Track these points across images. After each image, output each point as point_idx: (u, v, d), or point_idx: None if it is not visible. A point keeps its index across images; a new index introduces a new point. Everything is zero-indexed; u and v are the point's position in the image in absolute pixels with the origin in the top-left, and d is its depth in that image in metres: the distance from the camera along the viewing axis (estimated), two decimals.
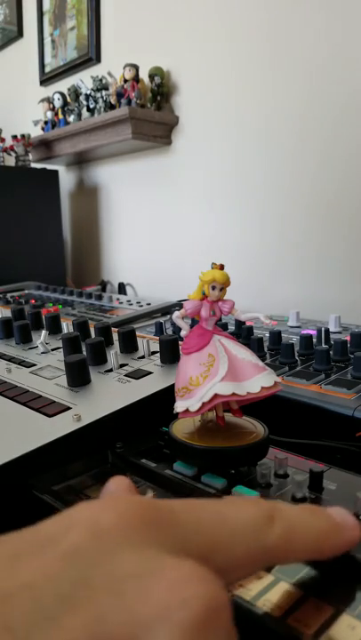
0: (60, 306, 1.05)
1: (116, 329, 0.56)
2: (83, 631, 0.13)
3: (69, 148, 1.43)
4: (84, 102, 1.35)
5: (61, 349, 0.52)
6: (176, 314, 0.35)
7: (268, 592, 0.23)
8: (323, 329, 0.63)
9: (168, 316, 0.92)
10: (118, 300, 1.07)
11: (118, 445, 0.37)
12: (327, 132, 0.96)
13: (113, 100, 1.28)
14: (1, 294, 1.18)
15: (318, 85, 0.96)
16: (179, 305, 0.98)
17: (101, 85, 1.30)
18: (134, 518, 0.17)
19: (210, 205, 1.21)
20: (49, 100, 1.53)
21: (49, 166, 1.60)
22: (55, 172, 1.55)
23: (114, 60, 1.43)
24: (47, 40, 1.73)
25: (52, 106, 1.52)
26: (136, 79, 1.25)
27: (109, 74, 1.31)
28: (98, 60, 1.51)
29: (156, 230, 1.37)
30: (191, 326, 0.36)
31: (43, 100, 1.55)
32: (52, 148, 1.51)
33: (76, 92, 1.40)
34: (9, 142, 1.55)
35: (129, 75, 1.24)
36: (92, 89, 1.32)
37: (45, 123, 1.53)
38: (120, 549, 0.16)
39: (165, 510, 0.18)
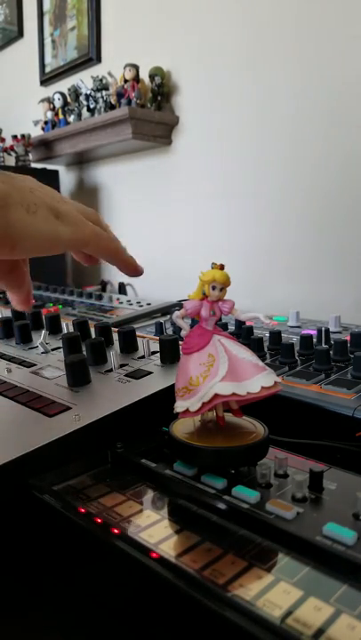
0: (60, 306, 1.05)
1: (116, 329, 0.56)
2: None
3: (69, 148, 1.43)
4: (85, 102, 1.35)
5: (61, 349, 0.52)
6: (176, 314, 0.35)
7: (268, 592, 0.23)
8: (323, 329, 0.63)
9: (168, 316, 0.92)
10: (118, 299, 1.07)
11: (118, 445, 0.37)
12: (325, 132, 0.96)
13: (113, 100, 1.28)
14: (1, 294, 1.18)
15: (317, 84, 0.96)
16: (179, 305, 0.98)
17: (101, 85, 1.30)
18: None
19: (210, 205, 1.21)
20: (49, 100, 1.53)
21: (49, 166, 1.60)
22: (55, 172, 1.55)
23: (114, 60, 1.43)
24: (47, 40, 1.73)
25: (52, 106, 1.52)
26: (136, 79, 1.25)
27: (109, 74, 1.31)
28: (98, 59, 1.51)
29: (156, 230, 1.37)
30: (191, 326, 0.36)
31: (43, 100, 1.55)
32: (52, 148, 1.51)
33: (76, 92, 1.40)
34: (9, 142, 1.55)
35: (129, 75, 1.24)
36: (93, 89, 1.32)
37: (45, 123, 1.53)
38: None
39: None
